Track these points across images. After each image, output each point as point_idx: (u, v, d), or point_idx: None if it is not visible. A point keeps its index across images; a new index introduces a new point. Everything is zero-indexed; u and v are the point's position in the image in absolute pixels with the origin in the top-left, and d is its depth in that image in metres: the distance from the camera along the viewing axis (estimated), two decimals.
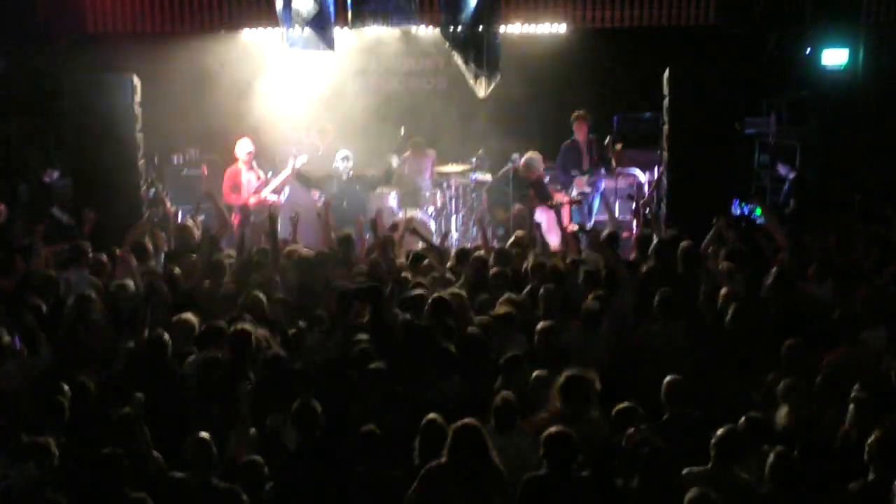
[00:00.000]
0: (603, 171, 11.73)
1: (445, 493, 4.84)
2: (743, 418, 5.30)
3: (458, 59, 10.55)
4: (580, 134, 11.66)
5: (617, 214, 11.41)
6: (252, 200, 10.94)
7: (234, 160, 11.13)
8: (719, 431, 5.10)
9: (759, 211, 10.68)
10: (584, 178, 11.62)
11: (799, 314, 6.97)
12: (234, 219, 10.05)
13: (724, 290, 7.14)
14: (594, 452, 5.14)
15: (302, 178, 11.09)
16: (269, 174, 11.80)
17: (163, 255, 8.97)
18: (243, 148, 11.09)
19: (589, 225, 10.98)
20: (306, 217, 10.11)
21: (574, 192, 11.57)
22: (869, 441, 5.00)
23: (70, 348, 6.67)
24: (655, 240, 8.20)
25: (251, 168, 11.16)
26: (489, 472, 4.89)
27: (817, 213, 10.56)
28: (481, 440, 4.89)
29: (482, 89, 10.43)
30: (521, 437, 5.37)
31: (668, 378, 5.77)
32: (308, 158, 11.54)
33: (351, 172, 11.18)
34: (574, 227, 9.77)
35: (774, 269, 7.44)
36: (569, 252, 8.65)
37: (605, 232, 8.77)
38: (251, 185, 11.11)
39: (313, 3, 10.38)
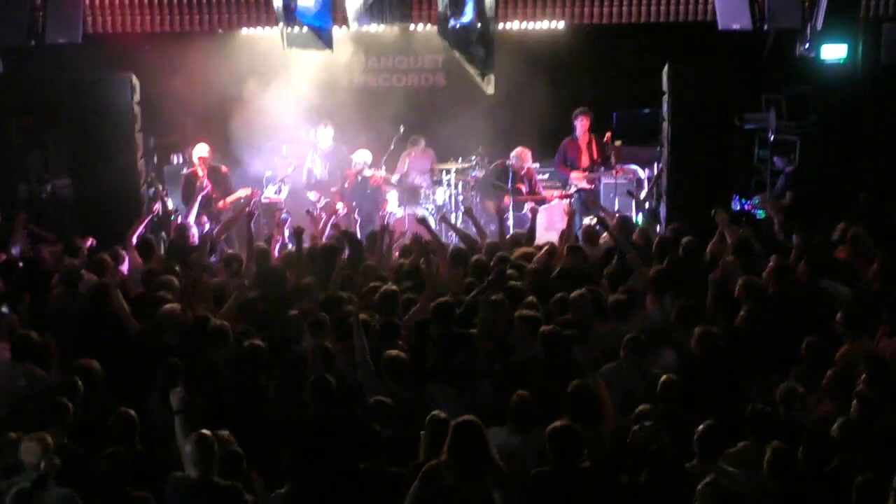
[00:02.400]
0: (602, 168, 11.73)
1: (446, 490, 4.84)
2: (748, 413, 5.30)
3: (461, 59, 10.51)
4: (582, 130, 11.67)
5: (617, 211, 11.47)
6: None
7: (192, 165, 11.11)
8: (701, 427, 5.11)
9: (762, 213, 10.67)
10: (582, 174, 11.64)
11: (807, 309, 6.97)
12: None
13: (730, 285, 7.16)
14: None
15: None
16: (269, 174, 11.83)
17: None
18: (197, 153, 11.03)
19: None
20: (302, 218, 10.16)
21: (572, 189, 11.59)
22: (834, 427, 5.06)
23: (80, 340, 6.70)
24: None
25: (207, 176, 10.93)
26: (489, 469, 4.90)
27: (816, 207, 10.54)
28: (481, 437, 4.90)
29: (489, 87, 10.40)
30: (539, 439, 5.24)
31: (663, 377, 5.78)
32: (312, 156, 11.66)
33: (368, 173, 11.29)
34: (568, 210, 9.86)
35: (777, 264, 7.45)
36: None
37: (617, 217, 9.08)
38: (201, 190, 10.78)
39: (314, 1, 10.37)
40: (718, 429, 5.12)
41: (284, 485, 5.20)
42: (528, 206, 10.87)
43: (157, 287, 7.37)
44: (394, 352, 6.04)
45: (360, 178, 11.32)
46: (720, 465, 5.02)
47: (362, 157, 11.40)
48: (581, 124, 11.63)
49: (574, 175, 11.60)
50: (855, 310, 6.57)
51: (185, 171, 11.40)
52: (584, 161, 11.71)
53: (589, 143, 11.70)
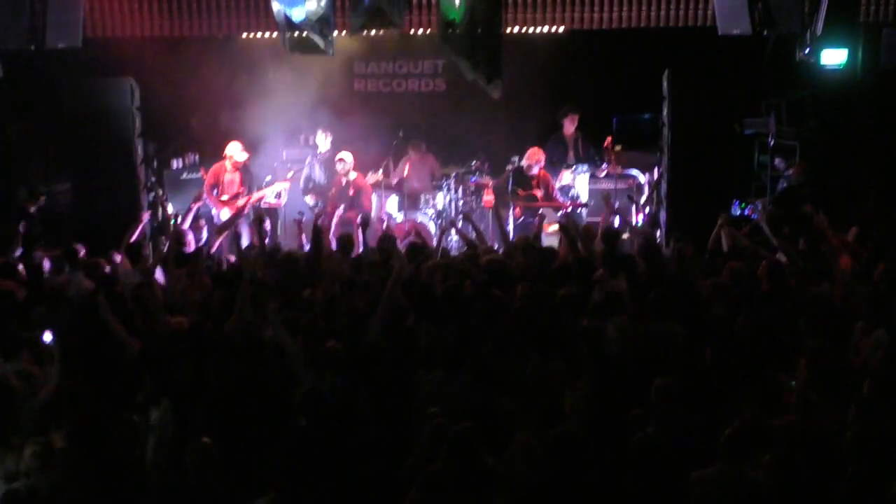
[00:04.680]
0: (588, 165, 11.79)
1: (444, 497, 4.84)
2: (748, 418, 5.27)
3: (463, 65, 10.45)
4: (569, 128, 11.77)
5: (617, 215, 11.48)
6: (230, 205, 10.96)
7: (223, 159, 11.22)
8: (727, 431, 5.07)
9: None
10: (568, 172, 11.75)
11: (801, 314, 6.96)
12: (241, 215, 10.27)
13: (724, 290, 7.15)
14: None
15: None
16: (269, 178, 11.84)
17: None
18: (232, 150, 11.14)
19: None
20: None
21: (557, 184, 11.69)
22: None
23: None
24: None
25: (236, 170, 11.16)
26: (486, 475, 4.90)
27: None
28: (475, 445, 4.90)
29: (496, 91, 10.39)
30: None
31: (657, 380, 5.76)
32: (311, 161, 11.68)
33: (353, 176, 11.30)
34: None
35: (769, 264, 7.46)
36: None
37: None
38: (233, 186, 11.10)
39: (315, 6, 10.38)
40: (744, 432, 5.06)
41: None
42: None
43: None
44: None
45: (344, 181, 11.37)
46: (744, 470, 5.00)
47: (346, 157, 11.46)
48: (570, 122, 11.83)
49: (560, 173, 11.73)
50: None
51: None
52: (571, 157, 11.88)
53: (575, 141, 11.83)
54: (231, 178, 11.15)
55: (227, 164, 11.15)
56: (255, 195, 11.16)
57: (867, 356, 6.20)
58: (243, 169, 11.22)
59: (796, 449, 5.00)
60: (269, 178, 11.87)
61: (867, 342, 6.42)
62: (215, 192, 11.14)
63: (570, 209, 11.20)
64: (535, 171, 11.31)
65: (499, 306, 6.84)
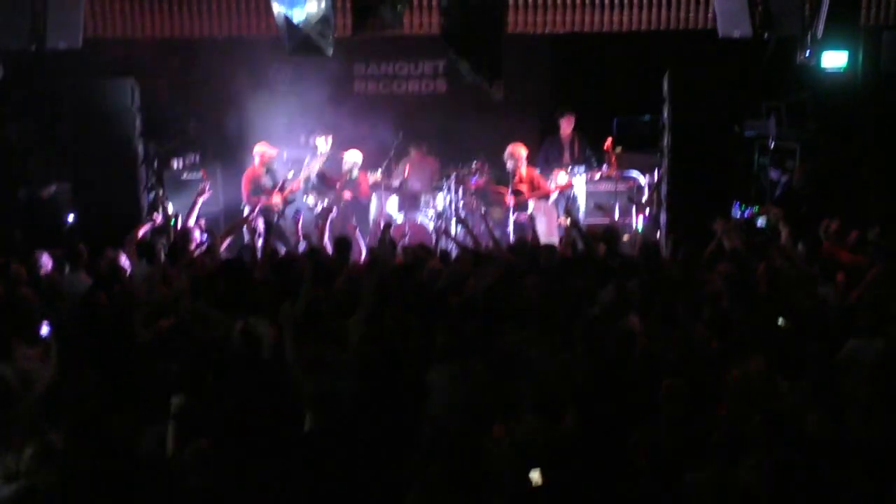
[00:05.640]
0: (584, 167, 11.80)
1: (444, 497, 4.84)
2: (757, 419, 5.27)
3: (465, 66, 10.44)
4: (565, 129, 11.80)
5: (617, 217, 11.50)
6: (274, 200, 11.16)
7: (253, 161, 11.33)
8: (718, 432, 5.07)
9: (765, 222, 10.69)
10: (563, 173, 11.76)
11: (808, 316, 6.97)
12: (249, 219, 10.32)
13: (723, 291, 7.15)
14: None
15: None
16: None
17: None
18: (262, 149, 11.30)
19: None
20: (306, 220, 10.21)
21: (552, 185, 11.73)
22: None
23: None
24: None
25: (268, 171, 11.35)
26: (485, 476, 4.90)
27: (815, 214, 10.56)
28: (474, 445, 4.90)
29: (499, 92, 10.39)
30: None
31: (665, 381, 5.75)
32: (313, 162, 11.70)
33: (356, 174, 11.39)
34: (566, 222, 9.87)
35: (767, 265, 7.47)
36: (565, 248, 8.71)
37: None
38: (268, 186, 11.28)
39: (316, 7, 10.39)
40: (735, 435, 5.08)
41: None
42: (529, 210, 10.95)
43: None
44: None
45: (349, 177, 11.41)
46: (736, 473, 4.99)
47: (352, 157, 11.57)
48: (566, 124, 11.85)
49: (555, 173, 11.74)
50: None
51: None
52: (566, 159, 11.91)
53: (572, 142, 11.86)
54: (266, 179, 11.31)
55: (258, 166, 11.27)
56: (290, 185, 11.36)
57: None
58: (270, 169, 11.41)
59: (793, 451, 5.01)
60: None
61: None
62: (258, 195, 11.24)
63: (561, 193, 11.29)
64: (520, 168, 11.38)
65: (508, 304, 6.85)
